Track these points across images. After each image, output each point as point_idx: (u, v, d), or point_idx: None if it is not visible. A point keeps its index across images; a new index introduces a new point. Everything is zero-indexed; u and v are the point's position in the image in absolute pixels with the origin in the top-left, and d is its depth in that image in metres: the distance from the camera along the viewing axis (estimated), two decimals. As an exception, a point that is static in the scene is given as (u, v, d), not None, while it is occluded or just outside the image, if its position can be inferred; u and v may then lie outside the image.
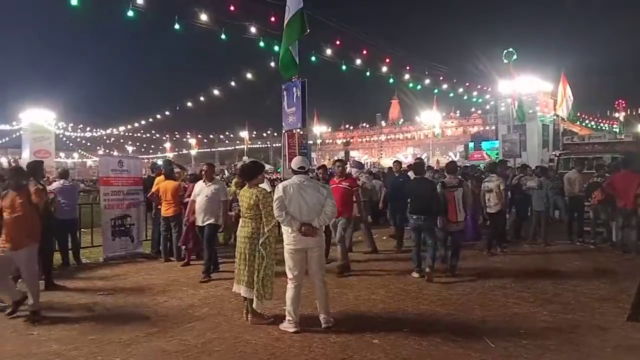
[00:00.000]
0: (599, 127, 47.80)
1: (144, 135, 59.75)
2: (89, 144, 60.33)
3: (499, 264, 7.91)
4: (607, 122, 50.15)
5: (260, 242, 4.88)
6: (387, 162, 52.59)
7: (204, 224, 7.07)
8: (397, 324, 4.89)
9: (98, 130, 55.88)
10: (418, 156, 14.07)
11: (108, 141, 62.44)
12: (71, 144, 57.47)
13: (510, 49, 22.23)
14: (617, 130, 42.21)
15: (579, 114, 41.19)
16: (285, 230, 4.76)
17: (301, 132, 9.96)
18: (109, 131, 55.97)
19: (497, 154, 35.12)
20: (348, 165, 10.90)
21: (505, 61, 22.81)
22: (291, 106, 9.53)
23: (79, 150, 63.20)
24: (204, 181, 7.31)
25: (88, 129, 54.80)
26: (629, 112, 48.10)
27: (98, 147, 62.75)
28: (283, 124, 9.72)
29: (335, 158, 10.77)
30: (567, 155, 14.41)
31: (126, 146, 66.49)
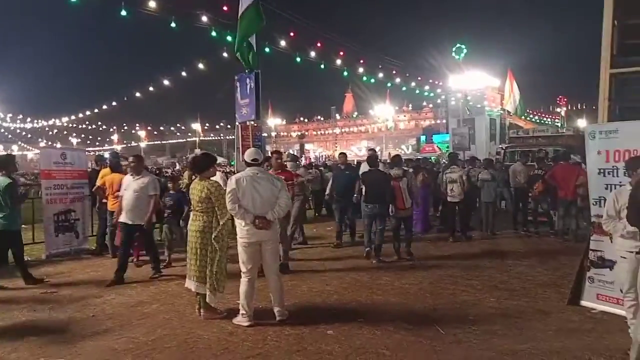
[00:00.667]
0: (542, 122, 50.11)
1: (89, 127, 57.37)
2: (29, 135, 57.31)
3: (449, 253, 8.16)
4: (550, 116, 52.67)
5: (213, 236, 4.79)
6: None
7: (133, 224, 6.44)
8: (351, 314, 4.95)
9: (39, 121, 53.13)
10: (371, 148, 14.11)
11: (50, 133, 59.53)
12: (10, 136, 54.36)
13: (460, 45, 22.87)
14: (559, 124, 44.39)
15: (528, 110, 43.01)
16: (239, 223, 4.68)
17: (255, 124, 9.81)
18: (51, 122, 53.35)
19: (448, 146, 36.17)
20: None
21: (455, 57, 23.44)
22: (244, 98, 9.40)
23: (19, 143, 59.93)
24: (131, 174, 6.62)
25: (29, 119, 52.00)
26: (569, 107, 50.72)
27: (39, 139, 59.71)
28: (236, 115, 9.59)
29: (273, 149, 10.27)
30: (513, 148, 15.00)
31: (70, 138, 63.54)
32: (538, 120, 50.00)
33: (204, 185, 4.85)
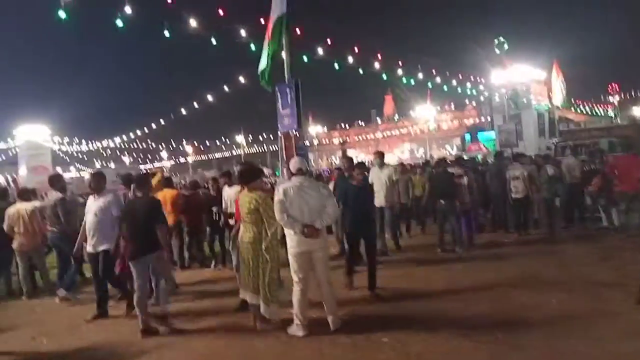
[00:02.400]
0: (593, 113, 47.85)
1: (140, 146, 59.68)
2: (85, 157, 60.24)
3: (503, 253, 7.91)
4: (602, 106, 50.21)
5: (263, 247, 4.86)
6: (388, 158, 52.68)
7: (97, 251, 5.71)
8: (405, 320, 4.89)
9: (93, 142, 55.84)
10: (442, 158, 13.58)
11: (104, 154, 62.37)
12: (67, 159, 57.36)
13: (502, 39, 22.27)
14: (612, 114, 42.28)
15: (572, 100, 41.25)
16: (288, 232, 4.74)
17: (297, 134, 9.91)
18: (104, 144, 55.94)
19: (494, 144, 35.19)
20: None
21: (497, 51, 22.85)
22: (285, 108, 9.51)
23: (76, 164, 63.08)
24: (92, 195, 5.92)
25: (83, 142, 54.77)
26: (623, 96, 48.19)
27: (95, 160, 62.63)
28: (279, 125, 9.71)
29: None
30: (565, 143, 14.46)
31: (123, 157, 66.30)
32: (590, 112, 47.80)
33: (252, 197, 4.92)
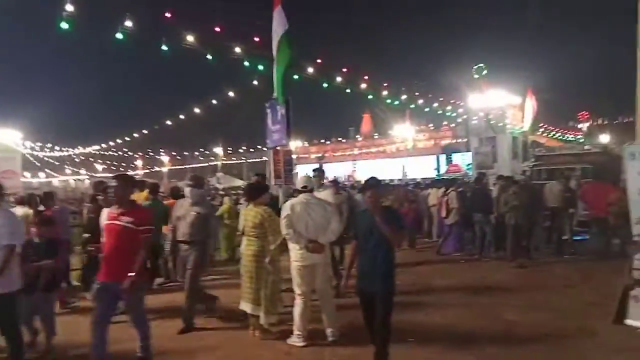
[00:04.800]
0: (564, 138, 49.65)
1: (115, 154, 58.80)
2: (57, 163, 58.92)
3: (487, 274, 8.25)
4: (572, 132, 52.14)
5: (266, 260, 5.05)
6: (362, 174, 53.15)
7: None
8: (400, 334, 5.07)
9: (67, 149, 54.75)
10: (480, 172, 14.01)
11: (77, 160, 61.13)
12: (38, 164, 55.98)
13: (481, 65, 23.04)
14: (582, 140, 43.94)
15: (544, 126, 42.68)
16: (293, 247, 4.93)
17: (286, 149, 10.13)
18: (78, 150, 54.92)
19: (469, 165, 36.02)
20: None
21: (476, 76, 23.58)
22: (276, 124, 9.73)
23: (46, 170, 61.53)
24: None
25: (57, 148, 53.64)
26: (592, 123, 50.17)
27: (66, 166, 61.31)
28: (268, 141, 9.91)
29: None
30: (539, 167, 15.05)
31: (95, 164, 65.06)
32: (560, 137, 49.58)
33: (258, 212, 5.14)
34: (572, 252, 9.59)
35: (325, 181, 7.09)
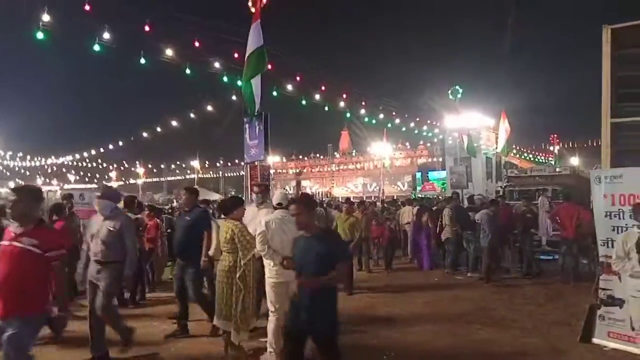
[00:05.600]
0: (536, 159, 50.96)
1: (89, 165, 57.77)
2: (27, 173, 57.48)
3: (458, 292, 8.33)
4: (544, 154, 53.57)
5: (237, 276, 4.99)
6: (338, 191, 53.38)
7: None
8: (373, 351, 5.11)
9: (39, 159, 53.53)
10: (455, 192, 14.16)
11: (49, 171, 59.78)
12: (8, 173, 54.52)
13: (456, 87, 23.54)
14: (553, 162, 45.10)
15: (517, 147, 43.78)
16: (268, 263, 4.90)
17: (263, 164, 10.14)
18: (50, 161, 53.74)
19: (444, 184, 36.54)
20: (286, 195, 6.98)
21: (452, 98, 24.07)
22: (253, 139, 9.75)
23: (16, 180, 59.92)
24: None
25: (28, 157, 52.41)
26: (562, 146, 51.69)
27: (37, 176, 59.79)
28: (245, 156, 9.91)
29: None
30: (512, 187, 15.37)
31: (69, 175, 63.70)
32: (532, 158, 50.86)
33: (229, 227, 5.10)
34: (538, 272, 9.69)
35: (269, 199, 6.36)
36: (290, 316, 3.56)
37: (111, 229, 4.84)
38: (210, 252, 5.82)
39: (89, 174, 64.44)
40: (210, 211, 16.15)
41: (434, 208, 12.30)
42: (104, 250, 4.80)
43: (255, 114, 9.23)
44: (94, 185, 63.42)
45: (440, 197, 22.75)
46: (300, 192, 52.53)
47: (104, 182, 62.93)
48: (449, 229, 10.24)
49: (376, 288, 8.68)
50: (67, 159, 52.73)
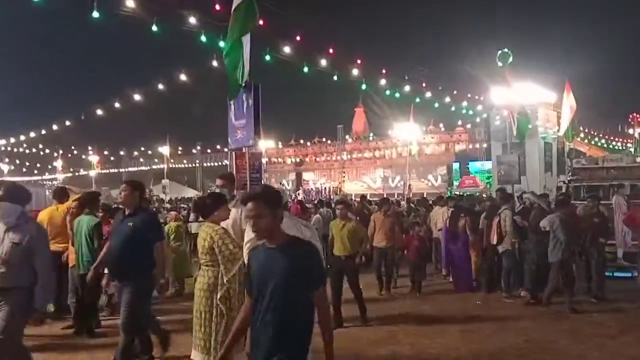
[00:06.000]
0: (610, 146, 50.63)
1: (27, 151, 58.04)
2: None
3: (508, 320, 8.38)
4: (621, 139, 53.21)
5: (218, 297, 5.00)
6: (351, 187, 53.34)
7: None
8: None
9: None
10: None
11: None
12: None
13: (506, 50, 23.30)
14: (633, 149, 44.82)
15: (585, 130, 43.47)
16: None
17: (253, 151, 10.15)
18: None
19: (490, 178, 36.44)
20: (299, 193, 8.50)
21: (500, 64, 23.85)
22: (240, 118, 9.72)
23: None
24: None
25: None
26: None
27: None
28: (229, 140, 9.91)
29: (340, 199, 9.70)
30: (578, 182, 15.29)
31: (0, 164, 64.10)
32: (605, 145, 50.53)
33: (208, 233, 5.08)
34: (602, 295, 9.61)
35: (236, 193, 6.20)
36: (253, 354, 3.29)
37: (16, 242, 4.57)
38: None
39: (27, 163, 64.89)
40: (185, 212, 16.36)
41: (477, 209, 12.25)
42: (3, 273, 4.57)
43: (243, 84, 9.19)
44: (34, 178, 63.85)
45: (484, 195, 22.73)
46: (298, 187, 52.62)
47: (47, 172, 63.27)
48: (508, 238, 9.95)
49: (398, 317, 8.68)
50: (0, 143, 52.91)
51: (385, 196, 30.54)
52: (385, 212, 10.61)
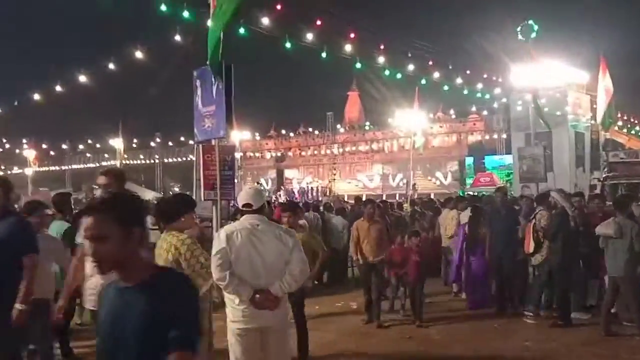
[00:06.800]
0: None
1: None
2: None
3: (531, 343, 8.43)
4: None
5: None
6: (344, 186, 53.37)
7: None
8: None
9: None
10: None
11: None
12: None
13: (529, 22, 23.38)
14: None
15: (623, 117, 43.73)
16: (230, 300, 4.90)
17: (225, 144, 10.15)
18: None
19: (510, 175, 36.58)
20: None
21: (522, 39, 23.94)
22: (208, 104, 9.70)
23: None
24: None
25: None
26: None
27: None
28: (196, 131, 9.88)
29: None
30: (615, 180, 15.42)
31: None
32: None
33: (171, 243, 5.06)
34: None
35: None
36: None
37: None
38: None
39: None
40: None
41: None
42: None
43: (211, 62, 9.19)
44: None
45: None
46: (280, 187, 52.51)
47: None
48: (546, 247, 9.83)
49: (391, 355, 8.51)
50: None
51: (384, 197, 30.61)
52: (370, 218, 10.15)
